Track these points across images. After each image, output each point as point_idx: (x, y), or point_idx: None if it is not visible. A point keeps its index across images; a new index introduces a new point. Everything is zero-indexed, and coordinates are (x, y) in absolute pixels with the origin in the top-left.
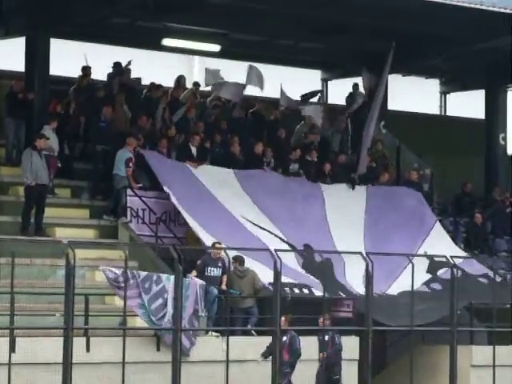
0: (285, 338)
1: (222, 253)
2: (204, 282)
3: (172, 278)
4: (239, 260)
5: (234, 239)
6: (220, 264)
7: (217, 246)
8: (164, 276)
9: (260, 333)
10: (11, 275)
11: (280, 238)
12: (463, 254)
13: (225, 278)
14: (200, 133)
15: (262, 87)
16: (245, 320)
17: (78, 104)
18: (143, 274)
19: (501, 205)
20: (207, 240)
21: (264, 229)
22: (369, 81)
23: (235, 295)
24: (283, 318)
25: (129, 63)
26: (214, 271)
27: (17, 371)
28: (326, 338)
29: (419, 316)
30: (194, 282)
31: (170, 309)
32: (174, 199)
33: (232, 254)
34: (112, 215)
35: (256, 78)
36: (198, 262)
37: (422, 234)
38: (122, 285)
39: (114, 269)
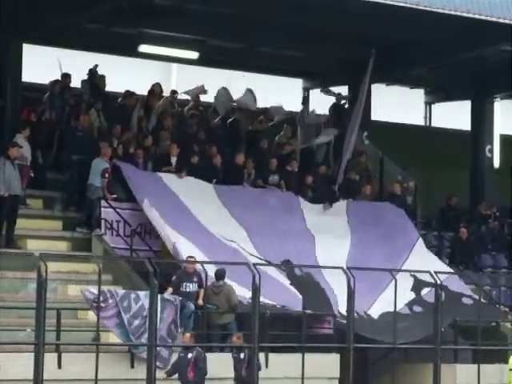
0: (190, 356)
1: (198, 267)
2: (179, 298)
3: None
4: (218, 274)
5: (211, 253)
6: (195, 279)
7: (191, 259)
8: (142, 294)
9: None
10: None
11: (257, 257)
12: (448, 270)
13: (201, 293)
14: (178, 143)
15: (254, 107)
16: (223, 336)
17: (52, 112)
18: (121, 292)
19: (486, 219)
20: (183, 253)
21: (241, 247)
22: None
23: (212, 310)
24: (188, 335)
25: (95, 66)
26: (190, 286)
27: None
28: (242, 356)
29: (402, 334)
30: (170, 302)
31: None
32: (148, 211)
33: (209, 268)
34: (85, 227)
35: (251, 100)
36: (173, 277)
37: (404, 251)
38: (102, 305)
39: (92, 289)
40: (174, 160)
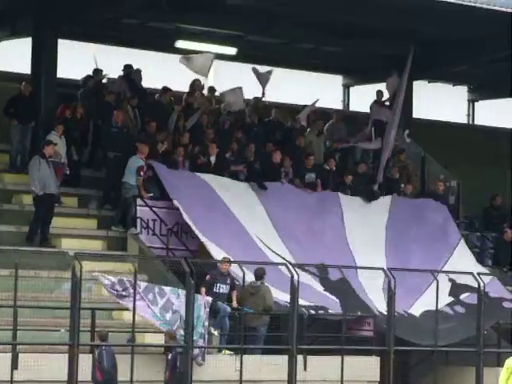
0: (169, 356)
1: (231, 268)
2: (211, 299)
3: (178, 291)
4: (257, 274)
5: (246, 256)
6: (228, 281)
7: (226, 260)
8: (167, 288)
9: (273, 352)
10: (14, 288)
11: (287, 261)
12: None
13: (235, 295)
14: (215, 141)
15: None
16: (254, 339)
17: (86, 108)
18: (143, 284)
19: None
20: (218, 254)
21: (276, 252)
22: (394, 85)
23: (249, 312)
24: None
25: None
26: (223, 288)
27: None
28: (170, 356)
29: (443, 336)
30: (203, 301)
31: (181, 323)
32: (183, 212)
33: (246, 270)
34: (121, 226)
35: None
36: (207, 277)
37: (446, 252)
38: (123, 293)
39: (109, 276)
40: (212, 159)
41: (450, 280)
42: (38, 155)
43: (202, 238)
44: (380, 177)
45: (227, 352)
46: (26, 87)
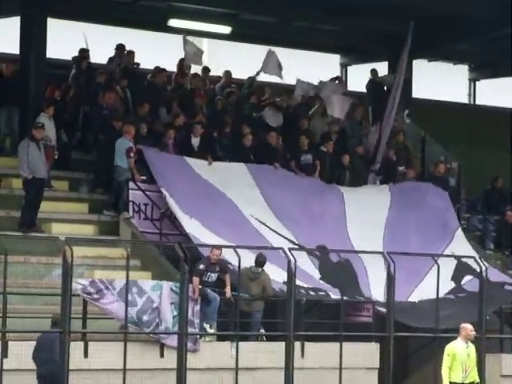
0: None
1: (223, 254)
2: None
3: (161, 284)
4: (258, 261)
5: (241, 238)
6: (218, 268)
7: (216, 250)
8: (147, 286)
9: (269, 338)
10: (4, 274)
11: (290, 241)
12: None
13: (228, 279)
14: (203, 123)
15: (280, 76)
16: (248, 324)
17: (77, 90)
18: (118, 285)
19: None
20: (211, 240)
21: (274, 230)
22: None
23: (244, 297)
24: None
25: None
26: (212, 276)
27: (9, 378)
28: None
29: (444, 321)
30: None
31: (165, 316)
32: (170, 200)
33: (242, 253)
34: (113, 210)
35: (274, 66)
36: (200, 266)
37: (445, 238)
38: (95, 296)
39: (80, 280)
40: (195, 141)
41: (456, 258)
42: (27, 138)
43: (188, 228)
44: (379, 158)
45: (210, 329)
46: (8, 68)
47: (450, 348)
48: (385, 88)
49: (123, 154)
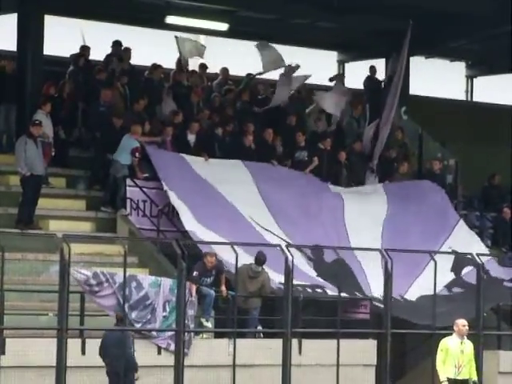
0: None
1: (224, 256)
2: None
3: (160, 281)
4: (258, 260)
5: (238, 238)
6: (213, 272)
7: (212, 254)
8: (146, 282)
9: (267, 335)
10: (1, 271)
11: (285, 241)
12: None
13: (223, 278)
14: (201, 120)
15: (283, 65)
16: (246, 321)
17: (74, 86)
18: (119, 279)
19: None
20: (208, 237)
21: (269, 230)
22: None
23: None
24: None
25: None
26: (207, 280)
27: (6, 375)
28: None
29: (441, 318)
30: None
31: (159, 313)
32: (172, 195)
33: (238, 251)
34: (110, 206)
35: (272, 60)
36: (194, 273)
37: (444, 233)
38: (95, 288)
39: (83, 270)
40: (191, 138)
41: (454, 251)
42: (24, 135)
43: (187, 225)
44: (377, 156)
45: (206, 322)
46: (9, 65)
47: (443, 343)
48: (382, 85)
49: (127, 151)
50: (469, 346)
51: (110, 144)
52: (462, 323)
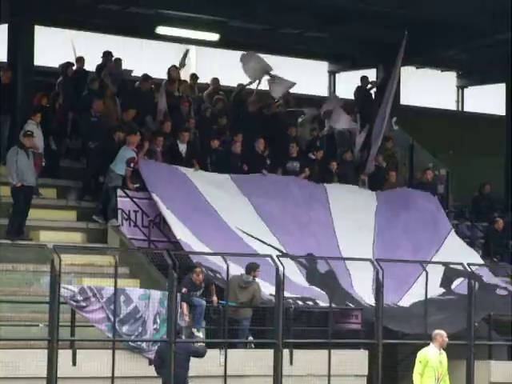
0: None
1: (212, 262)
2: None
3: (148, 294)
4: (249, 269)
5: (228, 249)
6: (202, 286)
7: (200, 268)
8: (135, 295)
9: (258, 346)
10: None
11: (279, 251)
12: (481, 263)
13: (213, 289)
14: (190, 129)
15: (270, 69)
16: (236, 332)
17: (65, 97)
18: (106, 293)
19: None
20: (199, 249)
21: (261, 240)
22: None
23: (231, 305)
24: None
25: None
26: (196, 294)
27: None
28: None
29: (433, 328)
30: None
31: (150, 326)
32: (162, 206)
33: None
34: (102, 216)
35: (259, 67)
36: (183, 290)
37: (435, 243)
38: (82, 304)
39: (69, 286)
40: (182, 148)
41: (444, 264)
42: (16, 146)
43: (179, 235)
44: (371, 166)
45: (197, 332)
46: (5, 75)
47: (422, 354)
48: (373, 96)
49: (124, 162)
50: (445, 356)
51: (106, 155)
52: (444, 335)
